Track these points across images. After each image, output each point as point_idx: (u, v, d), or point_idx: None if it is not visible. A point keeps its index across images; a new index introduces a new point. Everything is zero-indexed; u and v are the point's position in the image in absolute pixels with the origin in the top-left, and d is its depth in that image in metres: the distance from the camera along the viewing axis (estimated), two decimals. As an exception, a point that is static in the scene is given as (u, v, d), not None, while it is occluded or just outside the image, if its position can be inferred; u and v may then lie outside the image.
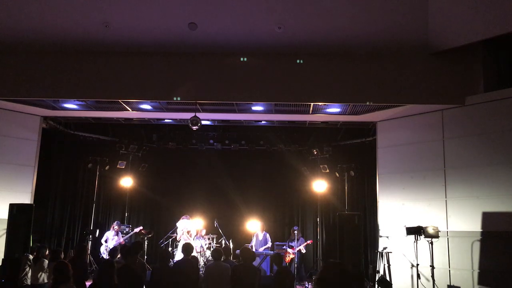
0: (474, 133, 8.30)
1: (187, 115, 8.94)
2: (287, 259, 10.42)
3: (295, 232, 10.83)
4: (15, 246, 8.28)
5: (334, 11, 7.94)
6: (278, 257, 7.04)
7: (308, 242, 11.03)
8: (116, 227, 10.95)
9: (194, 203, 12.28)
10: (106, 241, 10.78)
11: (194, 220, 11.22)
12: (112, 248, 8.10)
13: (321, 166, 11.97)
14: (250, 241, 11.22)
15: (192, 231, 10.82)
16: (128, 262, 5.60)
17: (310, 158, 12.51)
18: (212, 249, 10.81)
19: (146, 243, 10.92)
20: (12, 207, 8.66)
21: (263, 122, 10.86)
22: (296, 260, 10.39)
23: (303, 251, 10.79)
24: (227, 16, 8.07)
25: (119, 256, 6.84)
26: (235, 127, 12.17)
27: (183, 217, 11.01)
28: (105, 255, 10.58)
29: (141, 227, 11.36)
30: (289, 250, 10.44)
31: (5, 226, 8.42)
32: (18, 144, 9.67)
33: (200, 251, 10.27)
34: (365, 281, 9.28)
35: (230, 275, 6.01)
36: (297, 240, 10.70)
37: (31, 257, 7.63)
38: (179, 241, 10.75)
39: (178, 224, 10.96)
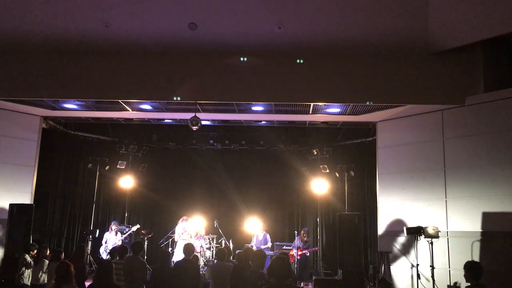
0: (474, 133, 8.30)
1: (187, 115, 8.94)
2: (291, 259, 10.43)
3: (308, 233, 10.96)
4: (15, 246, 8.29)
5: (334, 11, 7.94)
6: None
7: (315, 248, 11.13)
8: (114, 227, 10.94)
9: (194, 203, 12.27)
10: (106, 242, 10.78)
11: (194, 219, 11.19)
12: (120, 246, 7.97)
13: (321, 166, 11.96)
14: (250, 241, 11.23)
15: (191, 232, 10.77)
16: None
17: (310, 158, 12.50)
18: (212, 249, 10.84)
19: (146, 243, 10.90)
20: (12, 207, 8.67)
21: (263, 122, 10.86)
22: (296, 260, 10.39)
23: (307, 254, 10.86)
24: (227, 16, 8.07)
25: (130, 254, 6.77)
26: (235, 127, 12.17)
27: (183, 219, 10.93)
28: (104, 255, 10.58)
29: (138, 226, 11.32)
30: (295, 251, 10.44)
31: (5, 226, 8.44)
32: (18, 144, 9.66)
33: (200, 251, 10.26)
34: (365, 281, 9.28)
35: (230, 275, 6.01)
36: (306, 242, 10.78)
37: (27, 257, 7.61)
38: (177, 242, 10.74)
39: (176, 228, 10.92)
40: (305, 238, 10.77)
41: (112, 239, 10.75)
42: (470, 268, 4.25)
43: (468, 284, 4.28)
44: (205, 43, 8.37)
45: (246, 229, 11.71)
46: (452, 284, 8.09)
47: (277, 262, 3.71)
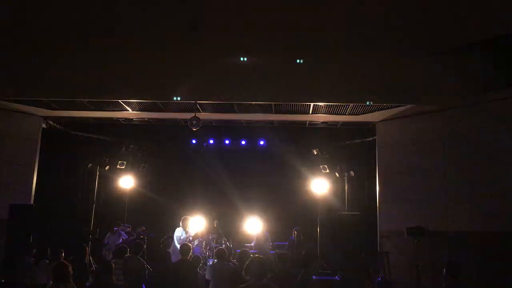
0: (474, 133, 8.29)
1: (187, 115, 8.94)
2: None
3: (298, 231, 10.90)
4: (15, 246, 8.29)
5: (334, 11, 7.92)
6: None
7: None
8: (116, 227, 10.92)
9: (194, 203, 12.24)
10: (107, 243, 10.76)
11: (194, 218, 11.12)
12: (120, 246, 7.95)
13: (321, 166, 11.96)
14: (250, 241, 11.20)
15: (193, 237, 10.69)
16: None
17: (310, 158, 12.50)
18: (212, 249, 10.81)
19: (145, 243, 10.86)
20: (12, 207, 8.67)
21: (263, 122, 10.85)
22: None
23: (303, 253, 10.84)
24: (227, 16, 8.05)
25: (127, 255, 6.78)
26: (235, 127, 12.16)
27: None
28: (106, 256, 10.55)
29: (143, 228, 11.30)
30: None
31: (5, 227, 8.44)
32: (18, 144, 9.65)
33: (200, 251, 10.24)
34: (365, 281, 9.26)
35: (231, 275, 6.03)
36: (298, 241, 10.72)
37: (27, 257, 7.61)
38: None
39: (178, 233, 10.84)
40: (297, 238, 10.75)
41: (114, 239, 10.72)
42: (449, 267, 4.45)
43: (448, 281, 4.47)
44: (205, 43, 8.36)
45: (246, 229, 11.69)
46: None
47: (254, 261, 3.79)
